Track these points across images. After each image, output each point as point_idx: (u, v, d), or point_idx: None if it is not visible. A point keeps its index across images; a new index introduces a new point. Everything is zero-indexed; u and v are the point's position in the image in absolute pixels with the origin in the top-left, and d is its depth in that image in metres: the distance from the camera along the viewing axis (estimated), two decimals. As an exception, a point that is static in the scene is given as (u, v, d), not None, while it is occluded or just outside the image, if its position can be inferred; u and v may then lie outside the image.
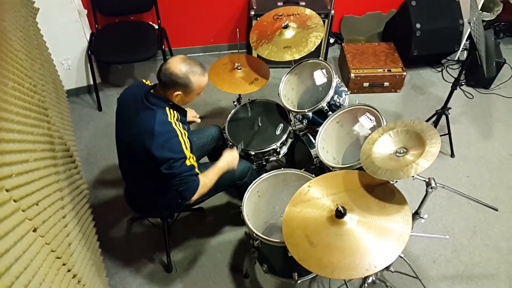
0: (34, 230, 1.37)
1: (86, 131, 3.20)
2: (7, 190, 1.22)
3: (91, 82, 3.37)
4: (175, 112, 1.83)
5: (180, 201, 2.09)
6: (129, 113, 1.87)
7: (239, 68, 2.51)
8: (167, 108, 1.80)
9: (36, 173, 1.58)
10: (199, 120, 2.31)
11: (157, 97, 1.81)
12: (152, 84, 1.91)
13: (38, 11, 2.71)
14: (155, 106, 1.79)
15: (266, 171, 2.18)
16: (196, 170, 1.84)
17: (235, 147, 2.23)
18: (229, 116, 2.58)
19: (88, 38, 3.19)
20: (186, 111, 1.95)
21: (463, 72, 2.62)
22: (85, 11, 3.11)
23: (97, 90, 3.35)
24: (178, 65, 1.74)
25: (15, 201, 1.27)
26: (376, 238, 1.52)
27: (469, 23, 2.34)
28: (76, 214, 2.03)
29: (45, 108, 2.10)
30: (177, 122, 1.80)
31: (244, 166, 2.26)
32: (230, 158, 2.07)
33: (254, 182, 2.13)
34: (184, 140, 1.78)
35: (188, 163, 1.79)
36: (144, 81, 1.97)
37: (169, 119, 1.78)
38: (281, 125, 2.46)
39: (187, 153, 1.79)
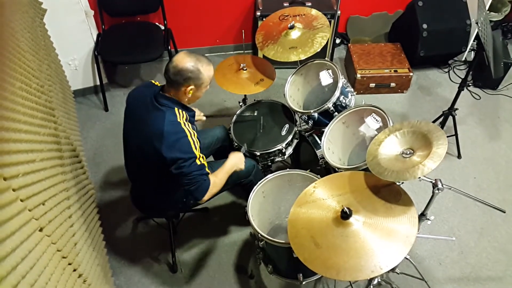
0: (41, 230, 1.38)
1: (93, 131, 3.22)
2: (14, 190, 1.23)
3: (98, 83, 3.39)
4: (184, 112, 1.84)
5: (185, 201, 2.10)
6: (139, 114, 1.88)
7: (245, 68, 2.51)
8: (176, 109, 1.82)
9: (43, 173, 1.59)
10: (204, 118, 2.34)
11: (166, 98, 1.82)
12: (161, 85, 1.92)
13: (46, 12, 2.73)
14: (164, 107, 1.80)
15: (272, 172, 2.18)
16: (207, 169, 1.86)
17: (241, 149, 2.24)
18: (235, 116, 2.58)
19: (95, 39, 3.21)
20: (194, 112, 1.97)
21: (470, 72, 2.60)
22: (92, 12, 3.12)
23: (103, 91, 3.36)
24: (185, 60, 1.76)
25: (21, 200, 1.28)
26: (382, 240, 1.51)
27: (477, 23, 2.32)
28: (82, 213, 2.04)
29: (52, 108, 2.12)
30: (186, 123, 1.81)
31: (249, 164, 2.26)
32: (235, 160, 2.09)
33: (259, 182, 2.13)
34: (193, 140, 1.79)
35: (198, 162, 1.80)
36: (153, 81, 1.98)
37: (178, 120, 1.80)
38: (287, 125, 2.45)
39: (197, 152, 1.80)
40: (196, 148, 1.80)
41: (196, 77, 1.79)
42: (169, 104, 1.82)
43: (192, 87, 1.81)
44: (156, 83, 1.96)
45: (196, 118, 2.32)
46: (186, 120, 1.83)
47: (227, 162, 2.05)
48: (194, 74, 1.78)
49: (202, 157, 1.84)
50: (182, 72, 1.76)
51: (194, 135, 1.81)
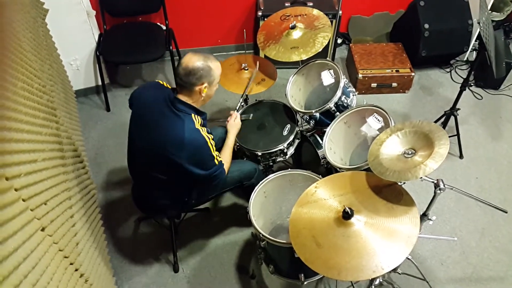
0: (42, 229, 1.38)
1: (94, 131, 3.22)
2: (16, 190, 1.23)
3: (100, 83, 3.39)
4: (199, 117, 1.88)
5: (187, 200, 2.11)
6: (148, 115, 1.89)
7: (246, 68, 2.51)
8: (192, 115, 1.84)
9: (45, 172, 1.60)
10: None
11: (184, 104, 1.84)
12: (171, 87, 1.94)
13: (48, 12, 2.73)
14: (182, 113, 1.82)
15: (273, 172, 2.18)
16: (222, 162, 1.96)
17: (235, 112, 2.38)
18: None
19: (97, 39, 3.21)
20: (206, 114, 1.99)
21: (472, 72, 2.60)
22: (94, 12, 3.13)
23: (105, 91, 3.37)
24: (194, 59, 1.79)
25: (23, 200, 1.28)
26: (384, 240, 1.51)
27: (479, 23, 2.32)
28: (84, 213, 2.04)
29: (53, 108, 2.12)
30: (202, 128, 1.85)
31: (251, 167, 2.26)
32: (234, 130, 2.25)
33: (261, 182, 2.13)
34: (211, 144, 1.86)
35: (216, 162, 1.90)
36: (160, 82, 1.98)
37: (196, 126, 1.82)
38: (288, 125, 2.45)
39: (215, 154, 1.89)
40: (214, 150, 1.88)
41: (207, 74, 1.82)
42: (186, 110, 1.84)
43: (205, 85, 1.83)
44: (164, 84, 1.97)
45: None
46: (201, 125, 1.86)
47: (229, 138, 2.19)
48: (205, 71, 1.80)
49: (218, 155, 1.93)
50: (194, 71, 1.78)
51: (211, 138, 1.86)
